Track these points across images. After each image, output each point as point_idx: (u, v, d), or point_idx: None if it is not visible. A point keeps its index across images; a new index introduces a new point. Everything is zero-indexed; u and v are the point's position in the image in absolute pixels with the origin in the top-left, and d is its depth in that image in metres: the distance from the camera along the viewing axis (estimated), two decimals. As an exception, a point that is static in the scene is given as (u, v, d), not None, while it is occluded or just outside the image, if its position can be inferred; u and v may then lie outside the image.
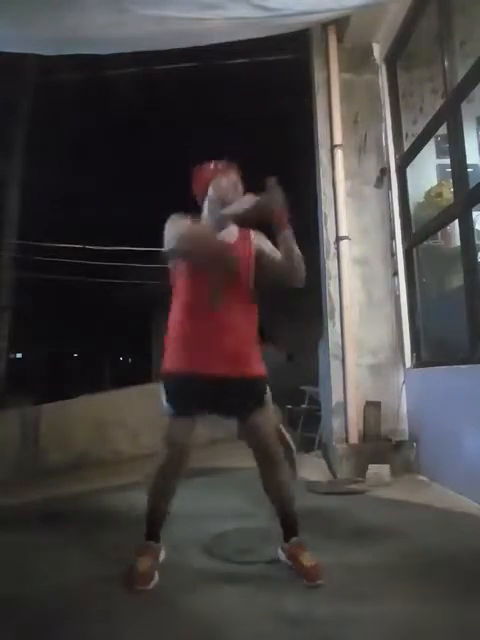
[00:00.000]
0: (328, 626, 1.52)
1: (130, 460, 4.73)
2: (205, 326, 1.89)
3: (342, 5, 3.48)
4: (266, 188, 1.85)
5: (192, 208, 2.08)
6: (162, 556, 1.94)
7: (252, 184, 2.02)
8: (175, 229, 1.88)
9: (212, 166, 2.05)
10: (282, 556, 1.95)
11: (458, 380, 3.10)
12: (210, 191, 2.02)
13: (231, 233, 2.00)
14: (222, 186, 1.98)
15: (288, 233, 1.92)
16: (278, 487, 1.97)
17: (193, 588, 1.80)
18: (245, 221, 1.92)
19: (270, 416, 2.00)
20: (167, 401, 1.90)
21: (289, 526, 1.97)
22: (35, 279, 11.65)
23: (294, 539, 1.93)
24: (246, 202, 1.86)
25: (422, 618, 1.56)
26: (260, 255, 2.01)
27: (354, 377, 3.88)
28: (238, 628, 1.54)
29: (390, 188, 4.22)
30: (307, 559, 1.84)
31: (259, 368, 1.99)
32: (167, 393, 1.91)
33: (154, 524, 1.93)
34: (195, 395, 1.87)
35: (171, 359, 1.95)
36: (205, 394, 1.87)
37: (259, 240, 2.04)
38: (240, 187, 2.01)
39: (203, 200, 2.05)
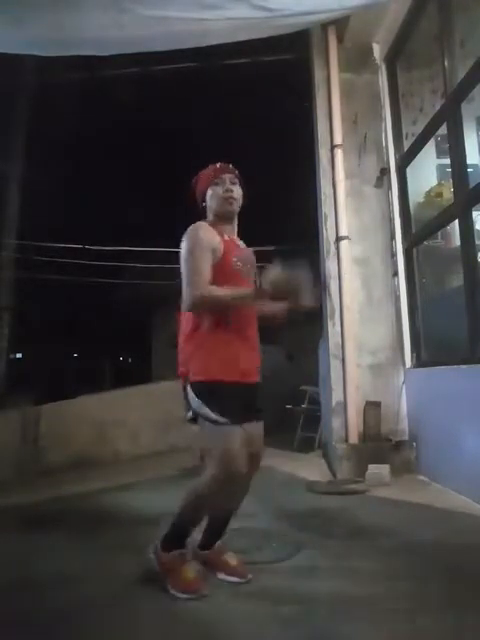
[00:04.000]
0: (328, 626, 1.52)
1: (130, 460, 4.74)
2: (244, 341, 1.86)
3: (342, 5, 3.48)
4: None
5: (192, 207, 2.01)
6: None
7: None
8: (194, 275, 1.77)
9: (209, 170, 1.96)
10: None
11: (458, 380, 3.10)
12: (208, 197, 1.94)
13: (237, 241, 1.97)
14: (220, 193, 1.90)
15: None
16: (245, 490, 1.96)
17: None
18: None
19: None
20: (220, 412, 1.75)
21: (222, 531, 1.99)
22: (35, 279, 11.64)
23: (218, 544, 1.97)
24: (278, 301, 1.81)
25: (422, 618, 1.56)
26: None
27: (354, 377, 3.88)
28: (238, 628, 1.54)
29: (390, 188, 4.22)
30: (231, 558, 1.92)
31: None
32: (221, 403, 1.76)
33: (189, 532, 1.88)
34: (245, 403, 1.82)
35: (220, 369, 1.80)
36: (251, 401, 1.86)
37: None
38: (240, 191, 1.94)
39: (203, 205, 1.98)
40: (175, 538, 1.83)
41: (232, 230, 1.94)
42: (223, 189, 1.89)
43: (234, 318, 1.85)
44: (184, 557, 1.83)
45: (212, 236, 1.83)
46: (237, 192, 1.92)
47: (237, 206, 1.92)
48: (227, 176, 1.92)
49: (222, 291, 1.77)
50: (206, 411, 1.75)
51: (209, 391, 1.78)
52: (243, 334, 1.85)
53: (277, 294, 1.71)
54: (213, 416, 1.74)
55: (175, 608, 1.57)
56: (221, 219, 1.91)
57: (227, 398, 1.77)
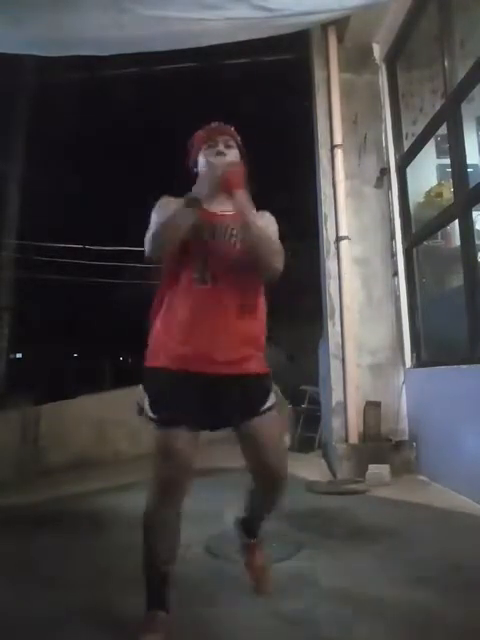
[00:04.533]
0: (328, 626, 1.52)
1: (130, 460, 4.73)
2: (199, 315, 1.50)
3: (342, 5, 3.48)
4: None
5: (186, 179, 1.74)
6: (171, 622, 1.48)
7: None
8: (151, 226, 1.52)
9: (201, 132, 1.67)
10: (238, 548, 1.83)
11: (458, 380, 3.10)
12: (200, 164, 1.64)
13: (223, 204, 1.58)
14: (213, 155, 1.60)
15: (241, 198, 1.50)
16: (269, 504, 1.73)
17: (193, 588, 1.79)
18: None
19: (278, 420, 1.66)
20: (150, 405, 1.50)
21: (253, 531, 1.81)
22: (35, 279, 11.64)
23: (256, 539, 1.81)
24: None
25: (422, 618, 1.56)
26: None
27: (354, 377, 3.88)
28: (238, 628, 1.54)
29: (390, 188, 4.22)
30: (260, 558, 1.79)
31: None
32: (150, 393, 1.52)
33: (157, 584, 1.48)
34: (189, 399, 1.46)
35: (155, 351, 1.55)
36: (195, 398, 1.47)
37: (260, 219, 1.59)
38: (237, 154, 1.64)
39: (195, 172, 1.67)
40: (147, 589, 1.48)
41: (237, 203, 1.51)
42: (214, 152, 1.59)
43: (181, 286, 1.52)
44: (148, 622, 1.44)
45: (174, 202, 1.56)
46: (231, 155, 1.61)
47: None
48: (221, 138, 1.62)
49: (153, 225, 1.50)
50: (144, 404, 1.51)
51: (144, 379, 1.54)
52: (198, 307, 1.49)
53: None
54: (147, 409, 1.49)
55: (175, 608, 1.57)
56: (213, 189, 1.57)
57: (155, 387, 1.51)
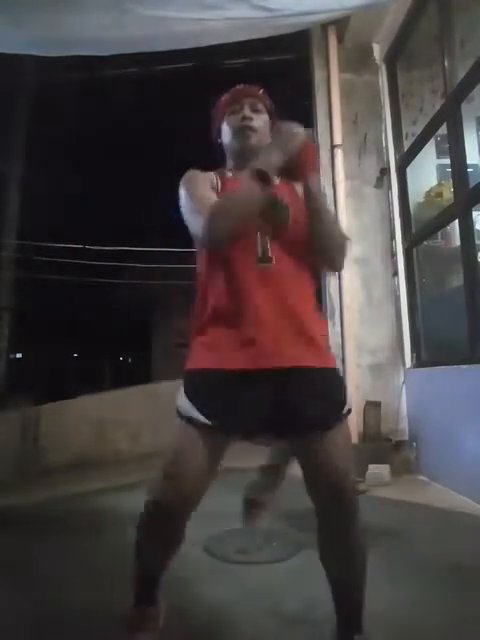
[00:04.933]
0: (328, 626, 1.52)
1: (130, 460, 4.73)
2: (237, 308, 1.25)
3: (342, 5, 3.48)
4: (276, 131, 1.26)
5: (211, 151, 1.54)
6: (161, 621, 1.38)
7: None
8: (195, 207, 1.25)
9: (226, 96, 1.43)
10: None
11: (458, 380, 3.10)
12: (223, 132, 1.41)
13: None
14: (238, 121, 1.35)
15: (317, 183, 1.28)
16: (347, 556, 1.29)
17: (193, 588, 1.79)
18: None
19: (348, 441, 1.31)
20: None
21: (352, 615, 1.28)
22: (35, 279, 11.65)
23: (357, 638, 1.26)
24: (280, 146, 1.21)
25: (422, 618, 1.56)
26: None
27: (354, 377, 3.88)
28: (238, 628, 1.54)
29: (390, 188, 4.22)
30: None
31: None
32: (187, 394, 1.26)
33: (148, 584, 1.38)
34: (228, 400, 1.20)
35: (196, 354, 1.30)
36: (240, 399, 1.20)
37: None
38: (266, 119, 1.39)
39: (219, 142, 1.45)
40: (137, 588, 1.37)
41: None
42: (239, 117, 1.36)
43: (216, 275, 1.28)
44: (134, 620, 1.33)
45: (204, 174, 1.35)
46: (259, 120, 1.37)
47: (257, 140, 1.33)
48: (247, 100, 1.38)
49: (198, 205, 1.24)
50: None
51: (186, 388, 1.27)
52: (262, 290, 1.24)
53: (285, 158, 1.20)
54: (178, 402, 1.24)
55: (175, 608, 1.57)
56: (240, 160, 1.34)
57: (195, 388, 1.25)
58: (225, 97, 1.43)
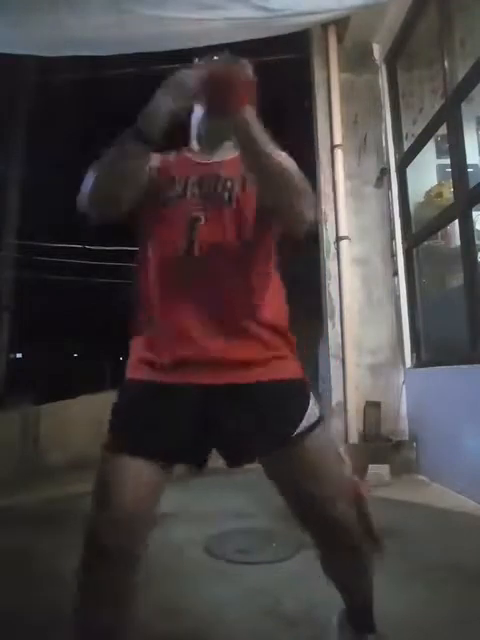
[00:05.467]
0: (328, 626, 1.52)
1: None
2: (171, 303, 1.08)
3: (342, 5, 3.48)
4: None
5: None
6: None
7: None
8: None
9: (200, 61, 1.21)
10: None
11: (458, 380, 3.10)
12: (196, 107, 1.18)
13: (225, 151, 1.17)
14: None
15: (249, 119, 0.98)
16: (352, 574, 1.22)
17: (193, 588, 1.79)
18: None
19: (330, 446, 1.18)
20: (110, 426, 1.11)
21: (364, 616, 1.26)
22: (35, 279, 11.65)
23: (371, 638, 1.24)
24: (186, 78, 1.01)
25: (421, 618, 1.56)
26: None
27: (354, 377, 3.88)
28: (238, 628, 1.54)
29: (390, 188, 4.23)
30: None
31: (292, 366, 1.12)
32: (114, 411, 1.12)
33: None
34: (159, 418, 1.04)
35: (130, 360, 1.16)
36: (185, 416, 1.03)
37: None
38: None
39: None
40: None
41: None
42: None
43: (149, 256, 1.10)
44: None
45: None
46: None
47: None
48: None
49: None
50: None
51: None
52: (170, 290, 1.07)
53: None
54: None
55: (175, 608, 1.57)
56: (205, 147, 1.19)
57: (120, 404, 1.10)
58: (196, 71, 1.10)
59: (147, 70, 6.85)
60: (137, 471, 0.99)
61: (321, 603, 1.66)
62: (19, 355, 16.85)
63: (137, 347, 1.12)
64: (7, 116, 8.02)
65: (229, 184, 1.10)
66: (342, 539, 1.09)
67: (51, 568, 2.06)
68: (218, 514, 2.68)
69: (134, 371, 1.09)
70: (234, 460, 1.08)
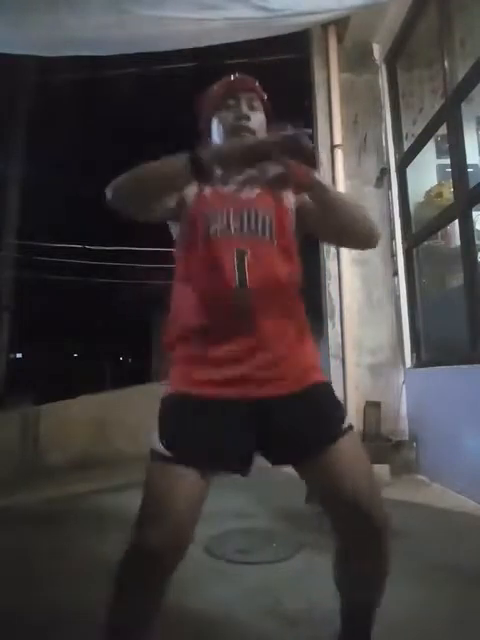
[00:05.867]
0: (328, 626, 1.52)
1: (130, 460, 4.73)
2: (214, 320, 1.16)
3: (342, 5, 3.48)
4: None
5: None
6: None
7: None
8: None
9: (218, 87, 1.28)
10: None
11: (458, 380, 3.10)
12: (214, 128, 1.26)
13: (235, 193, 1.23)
14: (229, 121, 1.20)
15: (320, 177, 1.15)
16: (366, 584, 1.19)
17: (193, 588, 1.79)
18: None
19: (361, 451, 1.20)
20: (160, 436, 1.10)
21: (362, 633, 1.23)
22: (35, 279, 11.65)
23: None
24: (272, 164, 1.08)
25: (421, 618, 1.56)
26: (303, 206, 1.23)
27: (354, 377, 3.88)
28: (238, 628, 1.54)
29: (390, 188, 4.23)
30: None
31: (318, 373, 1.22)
32: (162, 423, 1.13)
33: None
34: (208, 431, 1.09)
35: (174, 375, 1.20)
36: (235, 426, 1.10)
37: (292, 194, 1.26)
38: (263, 118, 1.25)
39: (208, 140, 1.29)
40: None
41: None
42: (235, 116, 1.21)
43: (192, 270, 1.19)
44: None
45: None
46: (256, 121, 1.23)
47: None
48: (244, 95, 1.24)
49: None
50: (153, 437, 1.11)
51: (160, 409, 1.16)
52: (223, 316, 1.14)
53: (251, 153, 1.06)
54: (154, 442, 1.09)
55: (175, 608, 1.57)
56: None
57: (170, 417, 1.13)
58: (219, 87, 1.27)
59: (147, 70, 6.86)
60: (190, 481, 1.05)
61: (321, 603, 1.66)
62: (19, 355, 16.86)
63: (184, 362, 1.18)
64: (7, 116, 8.02)
65: (268, 219, 1.19)
66: (375, 539, 1.10)
67: (51, 568, 2.06)
68: (218, 514, 2.67)
69: (182, 384, 1.15)
70: (280, 460, 1.16)
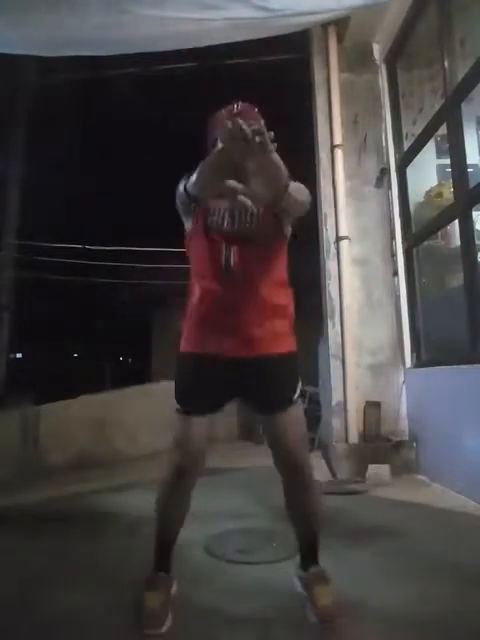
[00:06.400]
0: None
1: (130, 460, 4.73)
2: (214, 293, 1.57)
3: (342, 5, 3.49)
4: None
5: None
6: (174, 589, 1.66)
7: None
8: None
9: (224, 114, 1.57)
10: (297, 586, 1.68)
11: (458, 380, 3.10)
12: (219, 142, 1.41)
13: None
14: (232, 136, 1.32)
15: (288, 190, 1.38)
16: (302, 504, 1.66)
17: (193, 588, 1.79)
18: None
19: (302, 417, 1.65)
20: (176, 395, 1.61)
21: (309, 552, 1.68)
22: (35, 279, 11.65)
23: (314, 568, 1.65)
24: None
25: (422, 618, 1.56)
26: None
27: (354, 377, 3.88)
28: (238, 628, 1.54)
29: (390, 188, 4.22)
30: (323, 595, 1.54)
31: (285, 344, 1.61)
32: (177, 383, 1.63)
33: (164, 550, 1.65)
34: (211, 385, 1.58)
35: (185, 336, 1.64)
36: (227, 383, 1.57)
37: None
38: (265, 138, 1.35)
39: None
40: (154, 552, 1.66)
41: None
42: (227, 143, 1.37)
43: (197, 257, 1.63)
44: (151, 582, 1.61)
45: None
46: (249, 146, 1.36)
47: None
48: (246, 119, 1.38)
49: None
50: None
51: (176, 367, 1.65)
52: (213, 282, 1.55)
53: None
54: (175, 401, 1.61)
55: (175, 608, 1.57)
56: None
57: (180, 376, 1.63)
58: (223, 117, 1.54)
59: (147, 70, 6.86)
60: (198, 423, 1.57)
61: (321, 603, 1.66)
62: (19, 355, 16.86)
63: (191, 326, 1.60)
64: (7, 116, 8.02)
65: (254, 213, 1.55)
66: (302, 479, 1.61)
67: (51, 568, 2.06)
68: (218, 514, 2.68)
69: (190, 345, 1.60)
70: (250, 408, 1.70)
